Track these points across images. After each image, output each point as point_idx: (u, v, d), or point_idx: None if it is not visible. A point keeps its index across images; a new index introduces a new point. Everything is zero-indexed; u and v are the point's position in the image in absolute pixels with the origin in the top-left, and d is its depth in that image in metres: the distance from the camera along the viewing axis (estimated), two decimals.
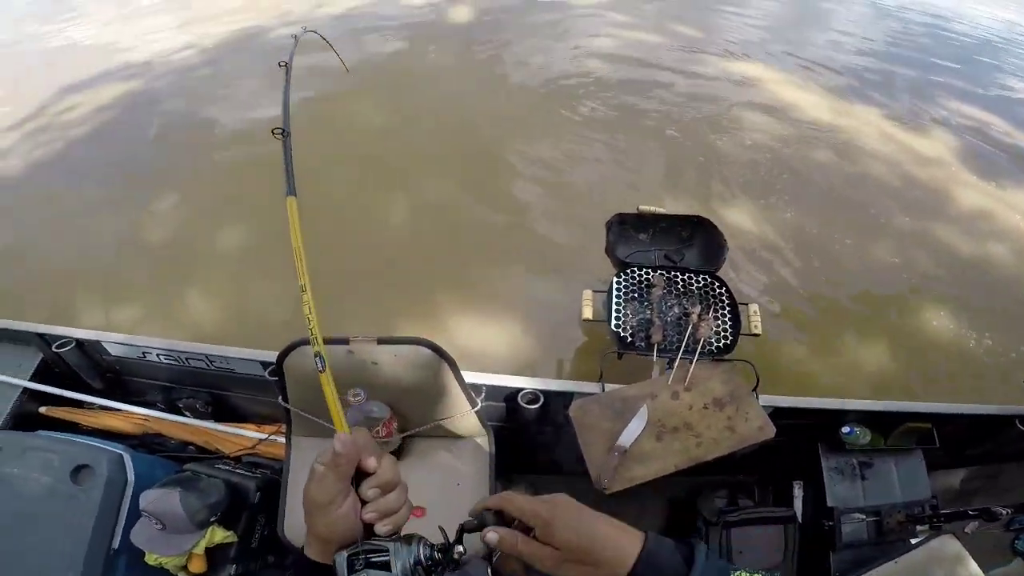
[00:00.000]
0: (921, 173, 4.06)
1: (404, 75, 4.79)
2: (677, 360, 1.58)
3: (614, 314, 1.78)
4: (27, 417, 1.86)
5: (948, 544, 1.44)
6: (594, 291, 1.98)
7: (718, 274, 1.88)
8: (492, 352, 2.61)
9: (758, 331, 1.78)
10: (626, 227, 2.11)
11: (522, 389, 1.59)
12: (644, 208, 2.12)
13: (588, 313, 1.90)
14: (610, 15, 6.01)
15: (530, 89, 4.61)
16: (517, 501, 0.55)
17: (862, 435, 1.69)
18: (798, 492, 1.87)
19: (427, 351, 1.21)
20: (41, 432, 1.58)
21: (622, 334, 1.71)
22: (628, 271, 1.93)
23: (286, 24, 5.79)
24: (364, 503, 0.51)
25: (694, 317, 1.65)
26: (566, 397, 1.58)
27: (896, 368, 2.73)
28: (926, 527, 1.63)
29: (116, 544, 1.33)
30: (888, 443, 1.71)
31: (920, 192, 3.86)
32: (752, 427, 1.45)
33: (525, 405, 1.58)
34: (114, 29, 6.38)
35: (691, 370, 1.56)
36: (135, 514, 1.36)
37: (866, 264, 3.22)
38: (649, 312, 1.77)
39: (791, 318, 2.86)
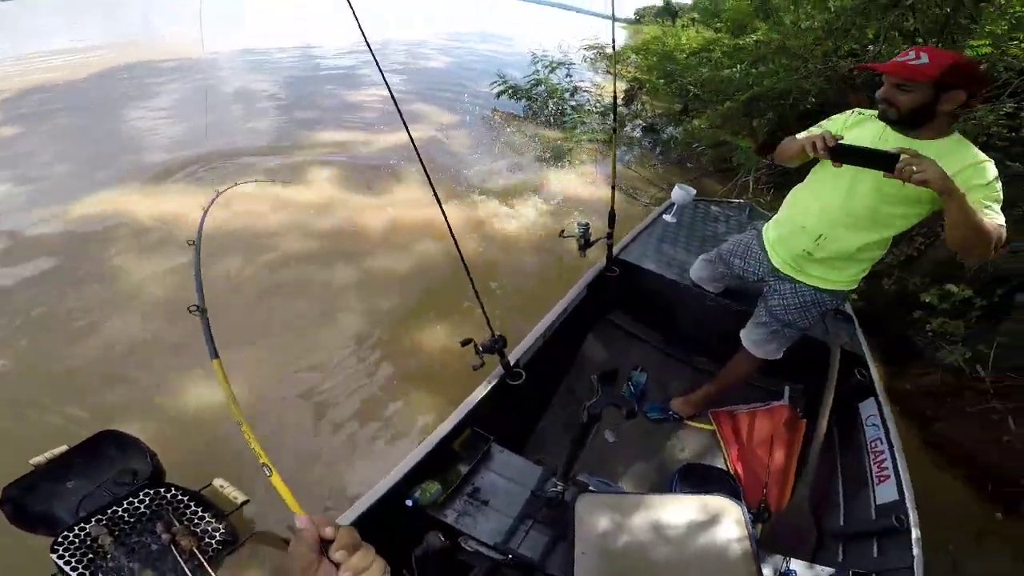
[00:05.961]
0: (323, 222, 3.88)
1: None
2: None
3: None
4: None
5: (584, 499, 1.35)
6: None
7: (159, 479, 1.49)
8: None
9: (244, 498, 1.60)
10: (38, 491, 1.55)
11: None
12: (37, 460, 1.60)
13: None
14: None
15: None
16: None
17: (427, 492, 1.42)
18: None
19: None
20: None
21: None
22: (62, 542, 1.31)
23: None
24: (338, 567, 0.55)
25: (166, 539, 1.23)
26: None
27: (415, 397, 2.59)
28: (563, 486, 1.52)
29: None
30: (466, 462, 1.53)
31: (335, 241, 3.67)
32: None
33: None
34: None
35: None
36: None
37: (326, 348, 2.85)
38: (125, 572, 1.22)
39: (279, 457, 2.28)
